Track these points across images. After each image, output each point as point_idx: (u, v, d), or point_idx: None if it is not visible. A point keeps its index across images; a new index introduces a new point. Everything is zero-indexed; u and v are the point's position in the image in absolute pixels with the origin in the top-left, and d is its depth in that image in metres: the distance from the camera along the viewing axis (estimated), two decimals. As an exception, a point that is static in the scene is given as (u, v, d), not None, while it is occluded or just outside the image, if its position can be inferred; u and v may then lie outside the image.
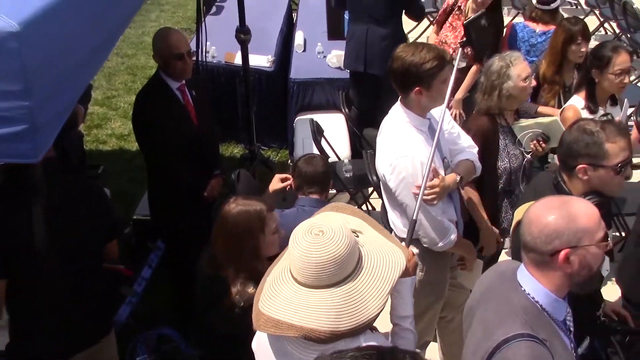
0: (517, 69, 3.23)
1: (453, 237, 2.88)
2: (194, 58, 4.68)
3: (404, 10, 5.07)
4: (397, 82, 2.85)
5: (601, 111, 3.57)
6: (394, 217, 2.99)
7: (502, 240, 3.39)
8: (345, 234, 1.82)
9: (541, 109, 4.07)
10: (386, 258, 1.92)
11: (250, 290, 2.34)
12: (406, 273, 2.04)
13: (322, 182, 3.04)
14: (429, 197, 2.68)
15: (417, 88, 2.74)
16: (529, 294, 1.83)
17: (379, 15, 4.96)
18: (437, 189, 2.69)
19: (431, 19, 5.55)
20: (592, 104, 3.55)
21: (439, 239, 2.85)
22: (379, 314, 1.84)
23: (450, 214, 2.93)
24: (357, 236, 1.94)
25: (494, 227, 3.28)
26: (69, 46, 1.90)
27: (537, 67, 4.24)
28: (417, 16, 5.54)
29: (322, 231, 1.81)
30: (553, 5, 4.82)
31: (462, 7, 4.84)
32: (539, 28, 4.79)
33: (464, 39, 3.11)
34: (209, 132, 3.77)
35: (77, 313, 2.60)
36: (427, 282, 3.05)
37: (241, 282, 2.38)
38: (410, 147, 2.74)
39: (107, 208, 2.83)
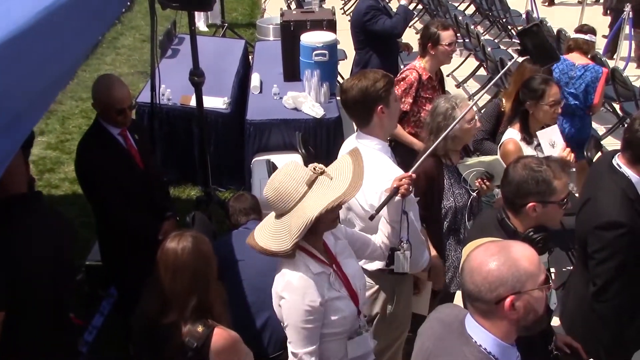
0: (463, 111, 3.26)
1: (426, 255, 2.89)
2: (149, 101, 4.69)
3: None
4: (357, 110, 2.87)
5: (535, 141, 3.71)
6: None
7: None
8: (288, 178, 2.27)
9: None
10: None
11: (200, 329, 2.29)
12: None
13: (256, 210, 3.52)
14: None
15: (379, 107, 2.80)
16: (480, 345, 1.78)
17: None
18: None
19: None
20: (527, 135, 3.71)
21: (421, 257, 2.82)
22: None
23: None
24: (317, 178, 2.30)
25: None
26: (17, 87, 1.86)
27: (499, 105, 4.38)
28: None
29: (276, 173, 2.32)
30: (594, 38, 5.18)
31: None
32: (578, 62, 5.09)
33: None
34: (156, 175, 3.72)
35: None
36: (397, 315, 3.07)
37: (189, 323, 2.32)
38: (391, 172, 2.71)
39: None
